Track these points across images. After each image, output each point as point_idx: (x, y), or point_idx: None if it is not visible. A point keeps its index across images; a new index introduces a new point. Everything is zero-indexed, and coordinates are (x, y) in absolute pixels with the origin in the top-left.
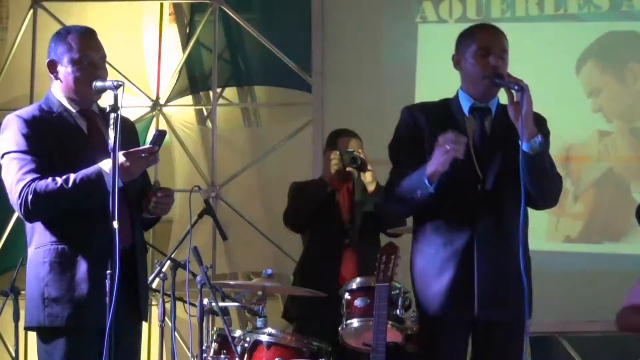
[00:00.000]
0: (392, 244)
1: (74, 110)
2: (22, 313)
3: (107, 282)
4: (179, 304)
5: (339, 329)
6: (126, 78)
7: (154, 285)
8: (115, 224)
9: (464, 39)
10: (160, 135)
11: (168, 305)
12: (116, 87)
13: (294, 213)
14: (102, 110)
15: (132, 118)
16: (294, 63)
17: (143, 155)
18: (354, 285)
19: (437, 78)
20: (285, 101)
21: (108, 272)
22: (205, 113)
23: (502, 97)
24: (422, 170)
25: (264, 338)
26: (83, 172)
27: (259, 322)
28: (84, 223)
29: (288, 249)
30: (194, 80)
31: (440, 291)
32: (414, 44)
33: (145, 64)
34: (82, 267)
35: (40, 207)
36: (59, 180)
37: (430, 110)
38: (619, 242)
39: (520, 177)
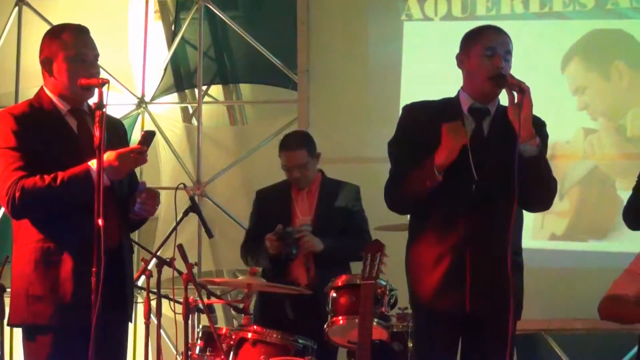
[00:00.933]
0: (378, 241)
1: (64, 109)
2: (7, 310)
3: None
4: (164, 301)
5: (325, 326)
6: (111, 76)
7: (139, 283)
8: (100, 222)
9: (469, 38)
10: (149, 135)
11: (154, 303)
12: (101, 85)
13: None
14: (91, 108)
15: (118, 116)
16: (280, 61)
17: (132, 154)
18: (340, 283)
19: (423, 76)
20: (271, 99)
21: (93, 269)
22: (190, 111)
23: (503, 98)
24: (430, 161)
25: (249, 335)
26: (71, 171)
27: (245, 320)
28: (69, 221)
29: None
30: (180, 77)
31: (432, 287)
32: (399, 42)
33: (130, 62)
34: (67, 265)
35: (27, 205)
36: (47, 178)
37: (431, 109)
38: (604, 239)
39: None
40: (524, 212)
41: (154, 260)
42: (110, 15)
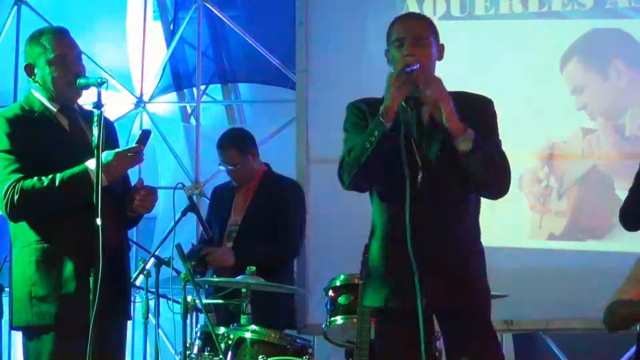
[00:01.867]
0: None
1: (54, 109)
2: (5, 310)
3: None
4: (162, 301)
5: (323, 326)
6: (110, 75)
7: (137, 282)
8: (99, 221)
9: (388, 30)
10: (145, 135)
11: (152, 303)
12: (100, 84)
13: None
14: (83, 108)
15: (116, 115)
16: (278, 60)
17: (129, 154)
18: (338, 283)
19: None
20: (269, 98)
21: (93, 268)
22: (189, 110)
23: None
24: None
25: (247, 335)
26: (69, 172)
27: (243, 319)
28: (69, 221)
29: None
30: (178, 77)
31: (382, 282)
32: None
33: (129, 61)
34: (69, 265)
35: (26, 207)
36: (45, 179)
37: (373, 102)
38: (602, 239)
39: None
40: (523, 211)
41: (152, 260)
42: (109, 14)
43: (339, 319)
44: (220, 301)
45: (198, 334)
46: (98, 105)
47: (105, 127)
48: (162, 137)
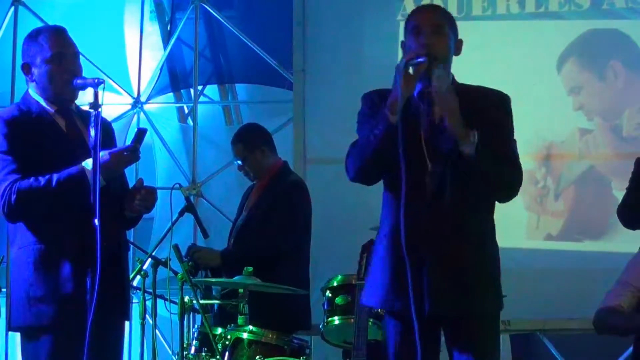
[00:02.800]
0: (373, 241)
1: (52, 110)
2: (2, 311)
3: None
4: (159, 301)
5: (320, 326)
6: (107, 75)
7: (134, 283)
8: (97, 222)
9: (406, 20)
10: (141, 133)
11: (149, 303)
12: (97, 85)
13: None
14: (80, 109)
15: (113, 116)
16: (275, 61)
17: (125, 153)
18: (335, 283)
19: None
20: (266, 99)
21: (89, 270)
22: (186, 111)
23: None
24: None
25: (245, 336)
26: (66, 172)
27: (240, 320)
28: (67, 223)
29: None
30: (175, 77)
31: (381, 283)
32: (396, 42)
33: (126, 62)
34: (67, 266)
35: (23, 208)
36: (42, 180)
37: (386, 94)
38: (599, 240)
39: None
40: (520, 212)
41: (149, 261)
42: (106, 14)
43: (336, 320)
44: (217, 301)
45: (195, 335)
46: (95, 105)
47: (103, 128)
48: (159, 138)
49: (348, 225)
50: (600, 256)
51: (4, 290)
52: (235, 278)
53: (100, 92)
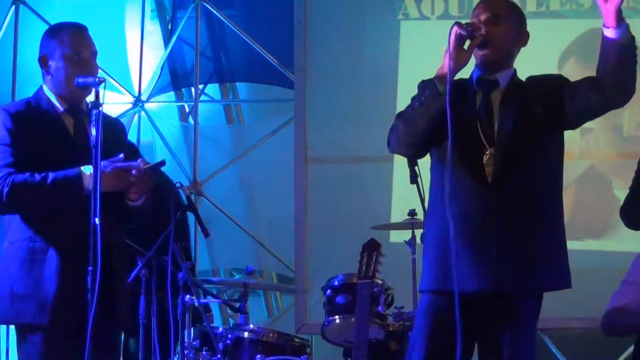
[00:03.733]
0: (375, 240)
1: (61, 109)
2: None
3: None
4: None
5: (321, 325)
6: (108, 74)
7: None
8: (97, 221)
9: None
10: (159, 164)
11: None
12: (98, 84)
13: None
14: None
15: (114, 115)
16: (276, 60)
17: (133, 172)
18: (336, 282)
19: (419, 75)
20: (267, 98)
21: (89, 268)
22: (187, 109)
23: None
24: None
25: (245, 335)
26: (63, 172)
27: (241, 319)
28: (61, 221)
29: (270, 245)
30: (176, 76)
31: (432, 262)
32: (396, 41)
33: (127, 61)
34: (52, 264)
35: (14, 201)
36: (38, 176)
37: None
38: (600, 239)
39: (533, 151)
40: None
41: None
42: (107, 13)
43: (337, 319)
44: (217, 301)
45: (196, 334)
46: (96, 104)
47: (112, 128)
48: (160, 137)
49: (348, 225)
50: (601, 255)
51: None
52: (237, 277)
53: (101, 91)
